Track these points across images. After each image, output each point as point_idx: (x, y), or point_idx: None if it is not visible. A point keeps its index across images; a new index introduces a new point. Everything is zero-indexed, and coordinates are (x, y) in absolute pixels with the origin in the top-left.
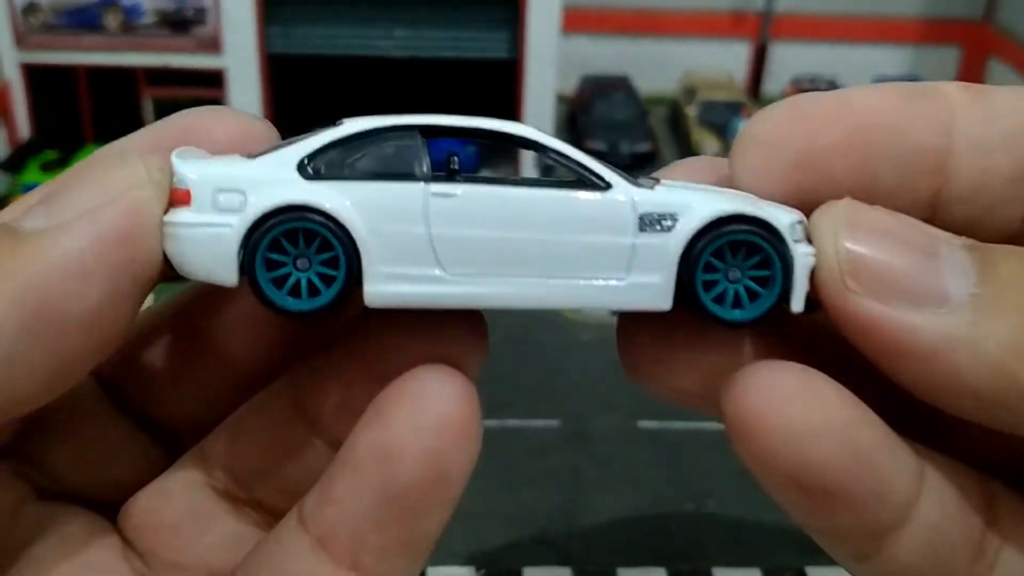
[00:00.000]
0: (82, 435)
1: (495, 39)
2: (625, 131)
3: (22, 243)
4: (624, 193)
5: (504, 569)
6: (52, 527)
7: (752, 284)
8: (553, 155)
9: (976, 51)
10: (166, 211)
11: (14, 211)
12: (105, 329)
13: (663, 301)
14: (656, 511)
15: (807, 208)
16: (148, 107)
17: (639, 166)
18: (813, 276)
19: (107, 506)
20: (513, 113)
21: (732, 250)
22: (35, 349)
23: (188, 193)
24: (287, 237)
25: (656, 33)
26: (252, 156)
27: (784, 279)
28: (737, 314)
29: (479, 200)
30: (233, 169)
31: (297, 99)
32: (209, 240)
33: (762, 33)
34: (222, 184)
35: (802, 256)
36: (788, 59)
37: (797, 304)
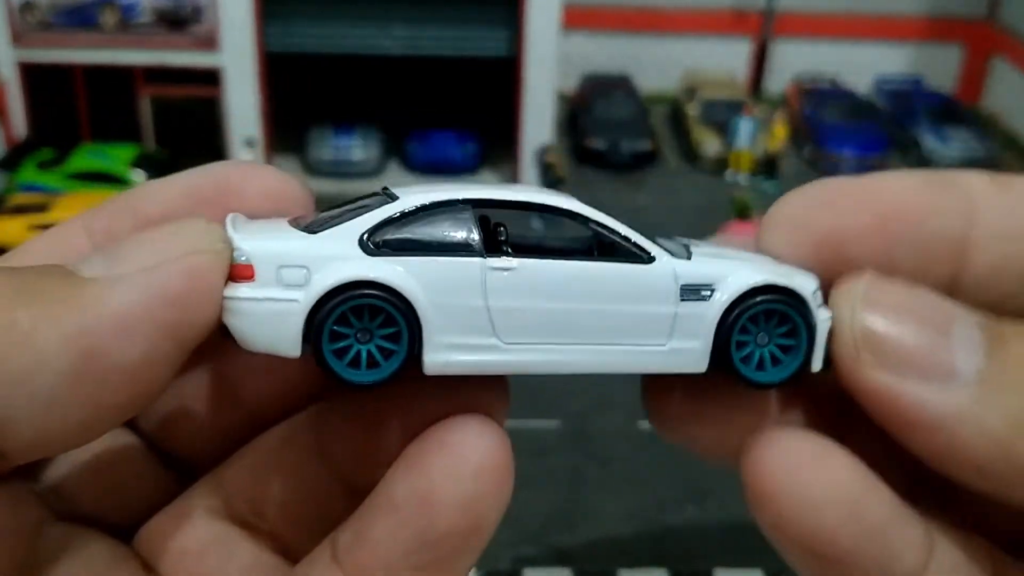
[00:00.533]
0: (96, 459)
1: (495, 37)
2: (626, 130)
3: (79, 288)
4: (667, 265)
5: (504, 569)
6: (75, 547)
7: (776, 350)
8: (597, 227)
9: (979, 49)
10: (226, 283)
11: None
12: (145, 384)
13: (700, 364)
14: (656, 511)
15: (825, 279)
16: (145, 105)
17: (640, 164)
18: (829, 339)
19: (119, 529)
20: (513, 111)
21: (764, 317)
22: (76, 393)
23: (251, 268)
24: (352, 312)
25: (657, 31)
26: (306, 228)
27: (809, 345)
28: (764, 376)
29: (534, 273)
30: (295, 244)
31: (295, 97)
32: (274, 315)
33: (764, 31)
34: (286, 260)
35: (823, 321)
36: (790, 57)
37: (817, 364)
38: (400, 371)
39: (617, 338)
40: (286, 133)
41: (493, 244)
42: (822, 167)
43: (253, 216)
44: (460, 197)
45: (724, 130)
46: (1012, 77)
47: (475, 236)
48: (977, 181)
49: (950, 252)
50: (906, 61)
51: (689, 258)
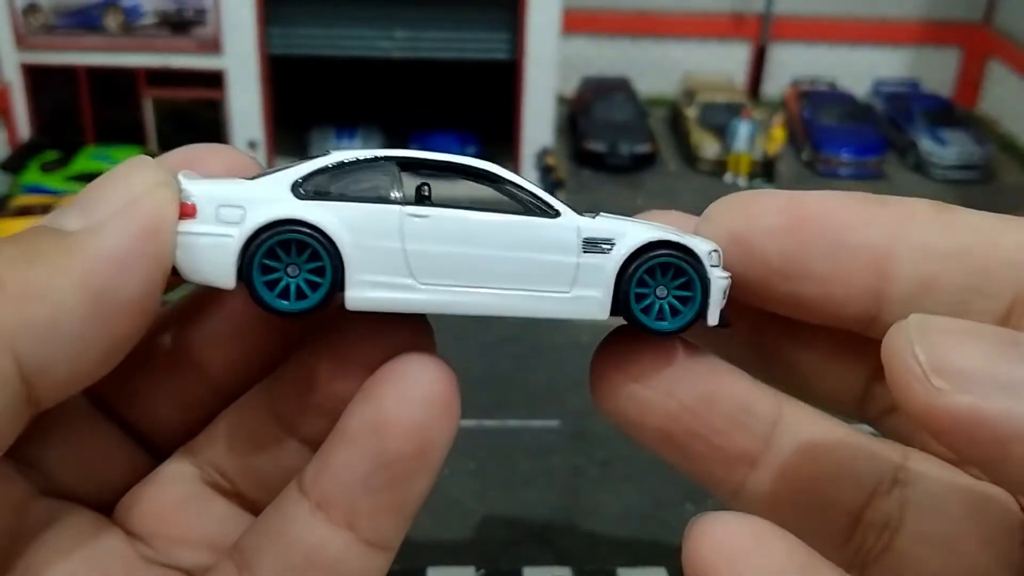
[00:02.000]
0: (72, 439)
1: (495, 40)
2: (625, 132)
3: (71, 240)
4: (571, 220)
5: (504, 569)
6: (59, 520)
7: (675, 301)
8: (510, 187)
9: (976, 53)
10: None
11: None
12: (145, 313)
13: (602, 312)
14: (656, 511)
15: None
16: (148, 107)
17: (639, 167)
18: (728, 296)
19: (100, 506)
20: (513, 114)
21: (661, 270)
22: (95, 332)
23: (194, 207)
24: (281, 246)
25: (656, 35)
26: (248, 179)
27: (703, 297)
28: (663, 324)
29: (447, 221)
30: (234, 187)
31: (297, 99)
32: (212, 248)
33: (762, 35)
34: (224, 200)
35: (717, 279)
36: (788, 61)
37: (712, 319)
38: (325, 301)
39: (524, 284)
40: (288, 135)
41: (417, 199)
42: (820, 170)
43: None
44: (386, 155)
45: (723, 133)
46: (1009, 80)
47: (396, 188)
48: (916, 203)
49: (872, 264)
50: (903, 64)
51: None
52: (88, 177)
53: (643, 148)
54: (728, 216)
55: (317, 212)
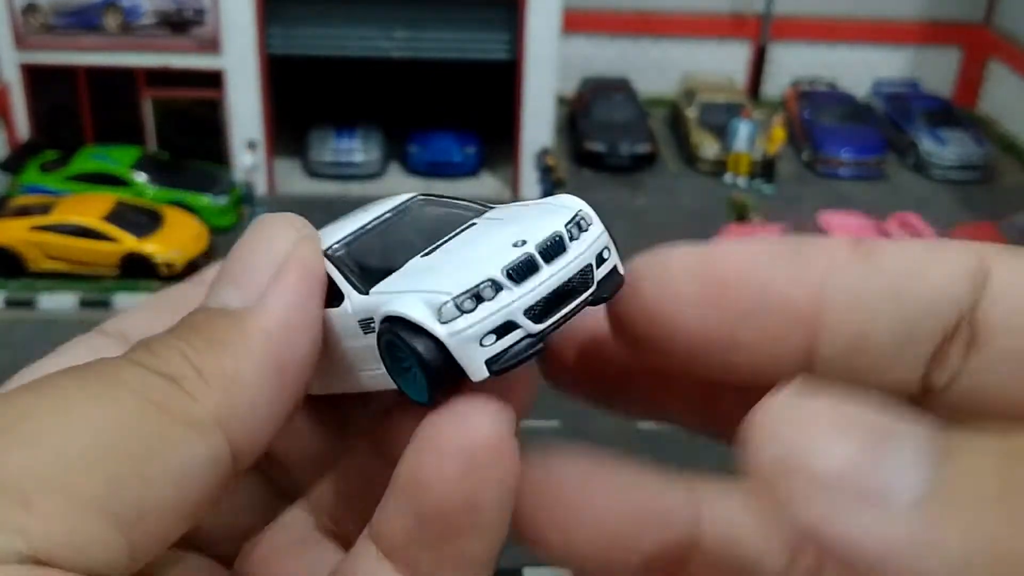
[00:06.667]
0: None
1: (495, 41)
2: (625, 133)
3: (241, 319)
4: (347, 303)
5: (504, 569)
6: (180, 567)
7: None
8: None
9: (976, 53)
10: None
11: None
12: (311, 369)
13: (392, 384)
14: None
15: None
16: (147, 107)
17: (639, 167)
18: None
19: (218, 556)
20: (513, 114)
21: (389, 346)
22: (282, 401)
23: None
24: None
25: (656, 35)
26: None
27: (422, 364)
28: (419, 397)
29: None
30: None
31: (297, 99)
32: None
33: (762, 35)
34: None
35: (450, 336)
36: (788, 61)
37: (477, 374)
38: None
39: (363, 367)
40: (287, 135)
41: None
42: (820, 170)
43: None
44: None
45: (722, 133)
46: (1009, 80)
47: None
48: (838, 247)
49: (800, 325)
50: (903, 65)
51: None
52: (88, 177)
53: (643, 148)
54: (637, 289)
55: None
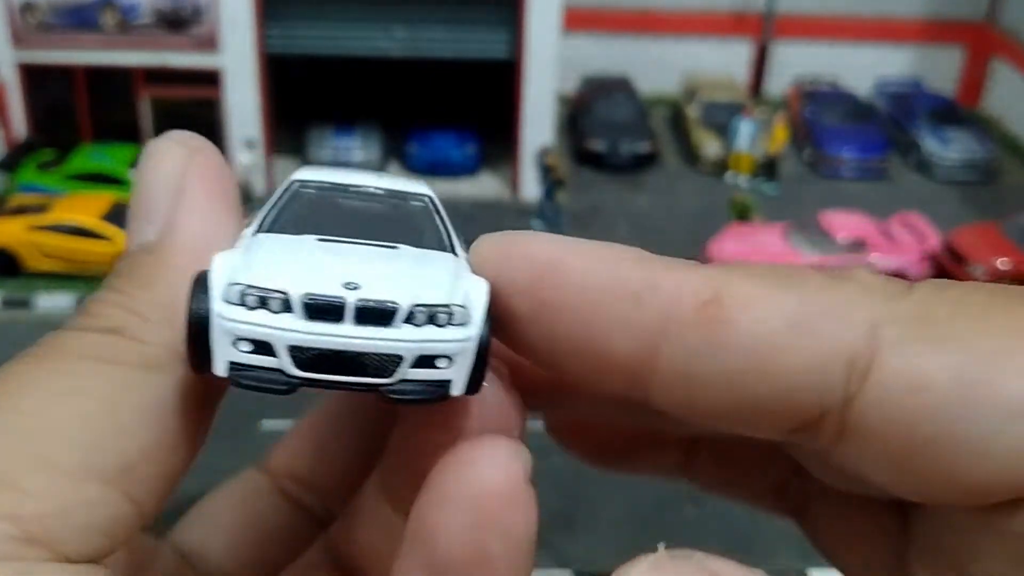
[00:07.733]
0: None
1: (495, 39)
2: (626, 131)
3: (159, 250)
4: (248, 233)
5: None
6: None
7: None
8: None
9: (979, 52)
10: None
11: None
12: None
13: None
14: (656, 511)
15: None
16: (145, 106)
17: (640, 166)
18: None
19: None
20: (513, 113)
21: None
22: None
23: None
24: None
25: (657, 33)
26: None
27: (188, 320)
28: None
29: None
30: None
31: (296, 97)
32: None
33: (764, 33)
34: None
35: (227, 316)
36: (790, 59)
37: (217, 368)
38: None
39: None
40: (286, 133)
41: None
42: (822, 169)
43: None
44: None
45: (724, 132)
46: (1012, 79)
47: None
48: (678, 305)
49: (629, 377)
50: (906, 63)
51: None
52: (85, 176)
53: (644, 147)
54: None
55: None
